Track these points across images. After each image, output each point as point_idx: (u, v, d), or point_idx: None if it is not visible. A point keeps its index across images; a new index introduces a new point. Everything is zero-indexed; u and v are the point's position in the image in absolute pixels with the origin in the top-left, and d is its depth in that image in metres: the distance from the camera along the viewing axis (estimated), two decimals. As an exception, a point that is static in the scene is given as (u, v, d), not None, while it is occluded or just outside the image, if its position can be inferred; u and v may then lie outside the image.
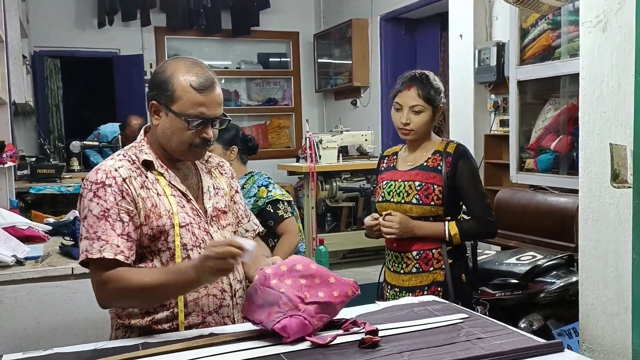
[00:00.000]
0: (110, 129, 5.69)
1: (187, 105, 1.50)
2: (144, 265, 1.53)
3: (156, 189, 1.54)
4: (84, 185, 1.52)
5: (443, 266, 2.16)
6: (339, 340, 1.35)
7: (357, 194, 5.22)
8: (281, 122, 7.69)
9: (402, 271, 2.20)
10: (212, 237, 1.58)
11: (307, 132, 5.17)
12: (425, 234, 2.15)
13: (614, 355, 1.70)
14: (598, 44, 1.76)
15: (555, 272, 2.64)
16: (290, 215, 2.59)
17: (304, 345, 1.33)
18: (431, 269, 2.16)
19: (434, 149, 2.20)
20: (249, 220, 1.80)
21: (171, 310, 1.52)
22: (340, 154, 5.28)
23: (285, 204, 2.59)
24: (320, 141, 5.10)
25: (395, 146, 2.38)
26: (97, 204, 1.47)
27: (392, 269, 2.25)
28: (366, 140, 5.42)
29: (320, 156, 5.08)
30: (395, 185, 2.21)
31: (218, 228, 1.62)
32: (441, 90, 2.22)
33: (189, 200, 1.58)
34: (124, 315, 1.54)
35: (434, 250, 2.16)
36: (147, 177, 1.54)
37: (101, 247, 1.44)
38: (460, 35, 4.37)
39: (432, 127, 2.23)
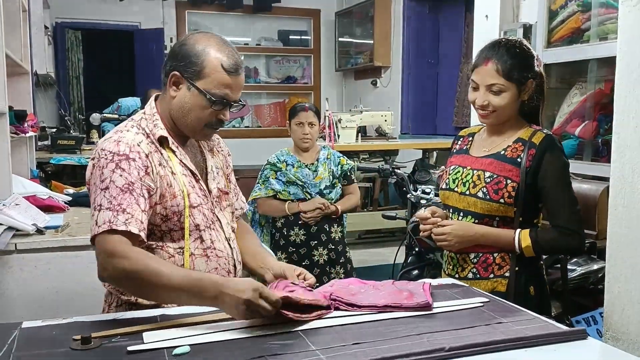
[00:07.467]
0: (131, 102, 5.67)
1: (214, 84, 1.48)
2: (154, 244, 1.50)
3: (171, 167, 1.51)
4: (101, 154, 1.44)
5: (506, 274, 1.81)
6: (355, 320, 1.34)
7: (375, 175, 5.18)
8: (300, 100, 7.65)
9: (457, 275, 1.86)
10: (218, 219, 1.59)
11: (327, 110, 5.12)
12: (490, 244, 1.80)
13: (639, 345, 1.68)
14: (638, 23, 1.69)
15: (575, 260, 2.61)
16: (355, 180, 3.27)
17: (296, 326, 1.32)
18: (491, 275, 1.81)
19: (518, 136, 1.82)
20: (237, 199, 1.79)
21: None
22: (359, 134, 5.24)
23: (354, 171, 3.29)
24: (339, 120, 5.06)
25: (474, 126, 2.03)
26: (121, 175, 1.41)
27: (447, 272, 1.92)
28: (385, 120, 5.37)
29: (339, 135, 5.05)
30: (463, 172, 1.86)
31: (220, 209, 1.62)
32: (532, 60, 1.80)
33: (197, 180, 1.57)
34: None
35: (495, 254, 1.81)
36: (162, 154, 1.51)
37: (126, 220, 1.37)
38: (486, 16, 4.27)
39: (517, 109, 1.83)
